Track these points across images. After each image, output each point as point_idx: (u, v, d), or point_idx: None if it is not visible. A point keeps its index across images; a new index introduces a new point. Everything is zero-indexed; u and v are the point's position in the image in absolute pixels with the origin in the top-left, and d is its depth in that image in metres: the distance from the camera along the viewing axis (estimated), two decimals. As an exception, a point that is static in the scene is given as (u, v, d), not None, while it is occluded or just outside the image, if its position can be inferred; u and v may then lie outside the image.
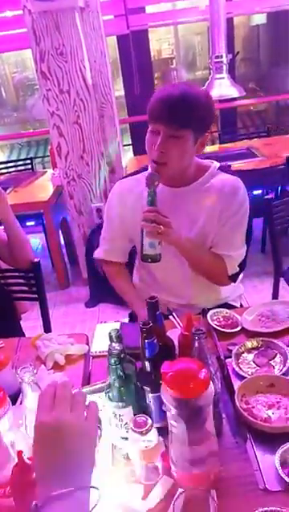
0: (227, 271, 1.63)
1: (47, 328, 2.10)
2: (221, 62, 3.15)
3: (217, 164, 1.62)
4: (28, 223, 4.04)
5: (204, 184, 1.57)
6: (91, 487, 0.71)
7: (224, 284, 1.70)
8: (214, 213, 1.56)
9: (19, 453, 0.88)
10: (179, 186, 1.57)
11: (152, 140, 1.45)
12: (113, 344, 1.02)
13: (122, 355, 1.03)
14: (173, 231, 1.44)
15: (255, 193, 3.48)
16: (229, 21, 4.32)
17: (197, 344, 1.01)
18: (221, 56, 3.14)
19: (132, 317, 1.89)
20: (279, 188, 3.43)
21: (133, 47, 4.48)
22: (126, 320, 1.94)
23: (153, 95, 1.44)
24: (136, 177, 1.68)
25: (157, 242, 1.43)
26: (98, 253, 1.82)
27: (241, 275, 1.74)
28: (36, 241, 4.65)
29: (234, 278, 1.67)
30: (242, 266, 1.67)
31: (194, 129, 1.42)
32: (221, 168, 1.61)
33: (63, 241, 4.07)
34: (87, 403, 0.78)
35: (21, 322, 2.14)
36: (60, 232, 3.95)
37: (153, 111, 1.42)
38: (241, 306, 1.84)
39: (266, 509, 0.89)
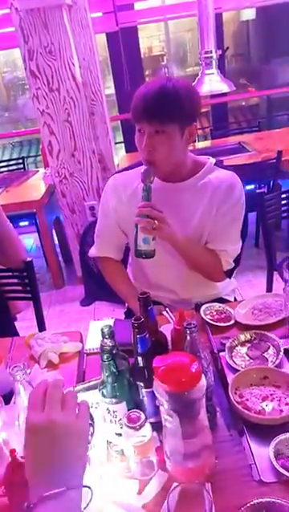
0: (222, 267, 1.63)
1: (41, 327, 2.09)
2: (211, 57, 3.14)
3: (213, 160, 1.61)
4: (21, 223, 4.04)
5: (200, 180, 1.56)
6: (83, 487, 0.70)
7: (219, 280, 1.70)
8: (211, 208, 1.55)
9: (12, 452, 0.87)
10: (176, 181, 1.57)
11: (140, 140, 1.45)
12: (105, 340, 1.02)
13: (114, 351, 1.02)
14: (168, 226, 1.43)
15: (248, 187, 3.48)
16: (218, 16, 4.32)
17: (188, 338, 1.01)
18: (211, 51, 3.13)
19: (129, 315, 1.88)
20: (271, 183, 3.43)
21: (123, 44, 4.46)
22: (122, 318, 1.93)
23: (134, 94, 1.43)
24: (131, 172, 1.66)
25: (151, 238, 1.41)
26: (92, 252, 1.81)
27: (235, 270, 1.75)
28: (30, 241, 4.64)
29: (229, 273, 1.67)
30: (237, 261, 1.67)
31: (178, 122, 1.41)
32: (217, 164, 1.60)
33: (56, 241, 4.06)
34: (78, 401, 0.78)
35: (16, 322, 2.13)
36: (54, 231, 3.94)
37: (134, 110, 1.43)
38: (235, 300, 1.84)
39: (261, 500, 0.89)
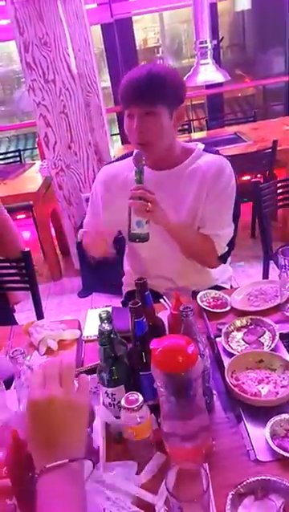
0: (216, 251, 1.64)
1: (40, 316, 2.11)
2: (206, 47, 3.14)
3: (201, 146, 1.62)
4: (18, 216, 4.04)
5: (190, 166, 1.58)
6: (84, 459, 0.73)
7: (214, 266, 1.70)
8: (201, 194, 1.56)
9: (13, 433, 0.89)
10: (165, 169, 1.58)
11: (130, 124, 1.47)
12: (103, 325, 1.03)
13: (112, 336, 1.04)
14: (160, 209, 1.44)
15: (244, 178, 3.49)
16: (213, 6, 4.31)
17: (185, 322, 1.02)
18: (206, 42, 3.13)
19: (126, 304, 1.89)
20: (267, 172, 3.44)
21: (118, 36, 4.45)
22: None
23: (122, 81, 1.47)
24: (121, 163, 1.68)
25: (145, 221, 1.41)
26: (79, 236, 1.78)
27: (229, 259, 1.76)
28: (27, 233, 4.64)
29: (223, 258, 1.68)
30: (231, 245, 1.68)
31: (166, 104, 1.44)
32: (206, 150, 1.62)
33: (54, 233, 4.06)
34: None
35: (15, 313, 2.15)
36: (51, 223, 3.94)
37: (124, 96, 1.46)
38: (231, 287, 1.86)
39: (257, 478, 0.91)
